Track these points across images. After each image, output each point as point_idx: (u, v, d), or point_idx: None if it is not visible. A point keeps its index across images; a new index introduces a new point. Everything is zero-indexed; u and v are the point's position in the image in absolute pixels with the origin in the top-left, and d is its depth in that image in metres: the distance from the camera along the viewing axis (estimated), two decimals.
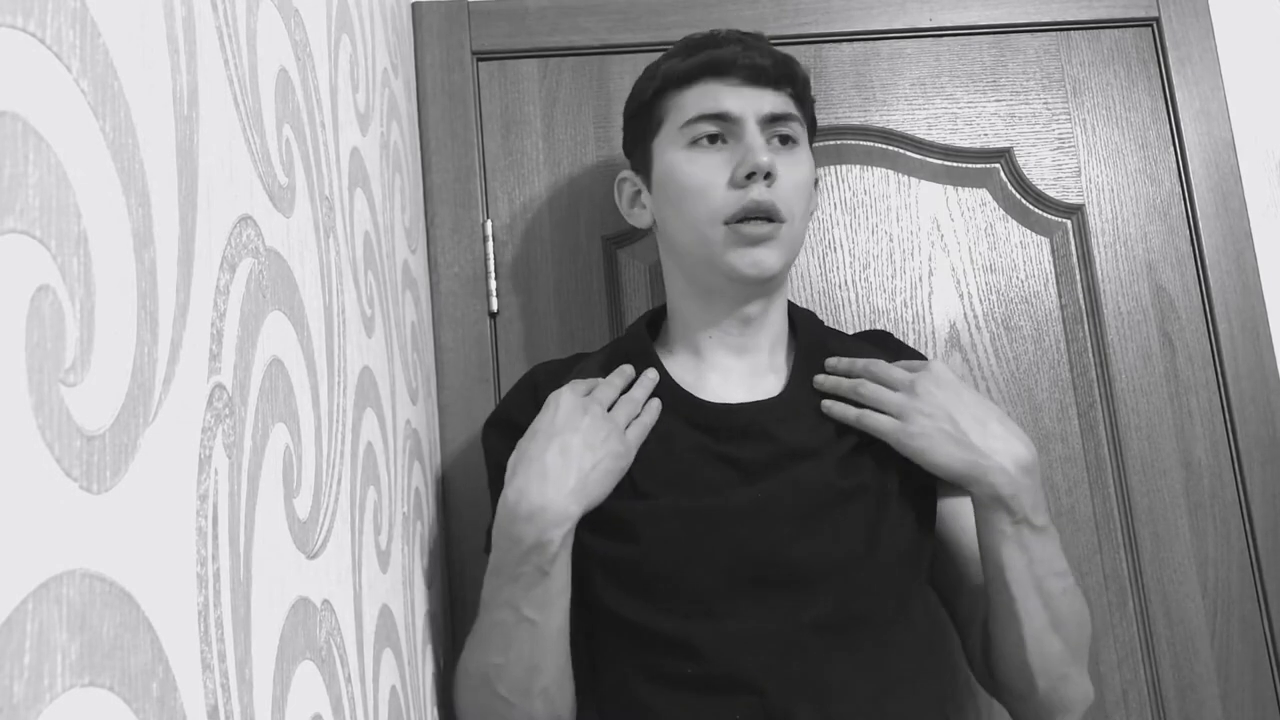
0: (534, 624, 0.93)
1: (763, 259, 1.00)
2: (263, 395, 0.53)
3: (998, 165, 1.43)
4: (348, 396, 0.73)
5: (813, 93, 1.12)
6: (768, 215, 0.99)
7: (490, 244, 1.36)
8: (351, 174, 0.83)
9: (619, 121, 1.41)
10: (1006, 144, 1.43)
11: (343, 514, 0.68)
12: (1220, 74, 1.45)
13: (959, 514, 1.05)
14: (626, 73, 1.42)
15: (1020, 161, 1.43)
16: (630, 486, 0.99)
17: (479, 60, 1.41)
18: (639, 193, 1.12)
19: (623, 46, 1.42)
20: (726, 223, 1.00)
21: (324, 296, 0.68)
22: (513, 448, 0.99)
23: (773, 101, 1.02)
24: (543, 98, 1.41)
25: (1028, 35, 1.46)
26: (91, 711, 0.33)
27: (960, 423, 0.96)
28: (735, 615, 0.94)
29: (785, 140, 1.03)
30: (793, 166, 1.02)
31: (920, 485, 1.01)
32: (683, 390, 1.03)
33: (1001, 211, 1.42)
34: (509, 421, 1.07)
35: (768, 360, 1.06)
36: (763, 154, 0.98)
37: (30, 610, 0.30)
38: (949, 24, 1.45)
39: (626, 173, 1.14)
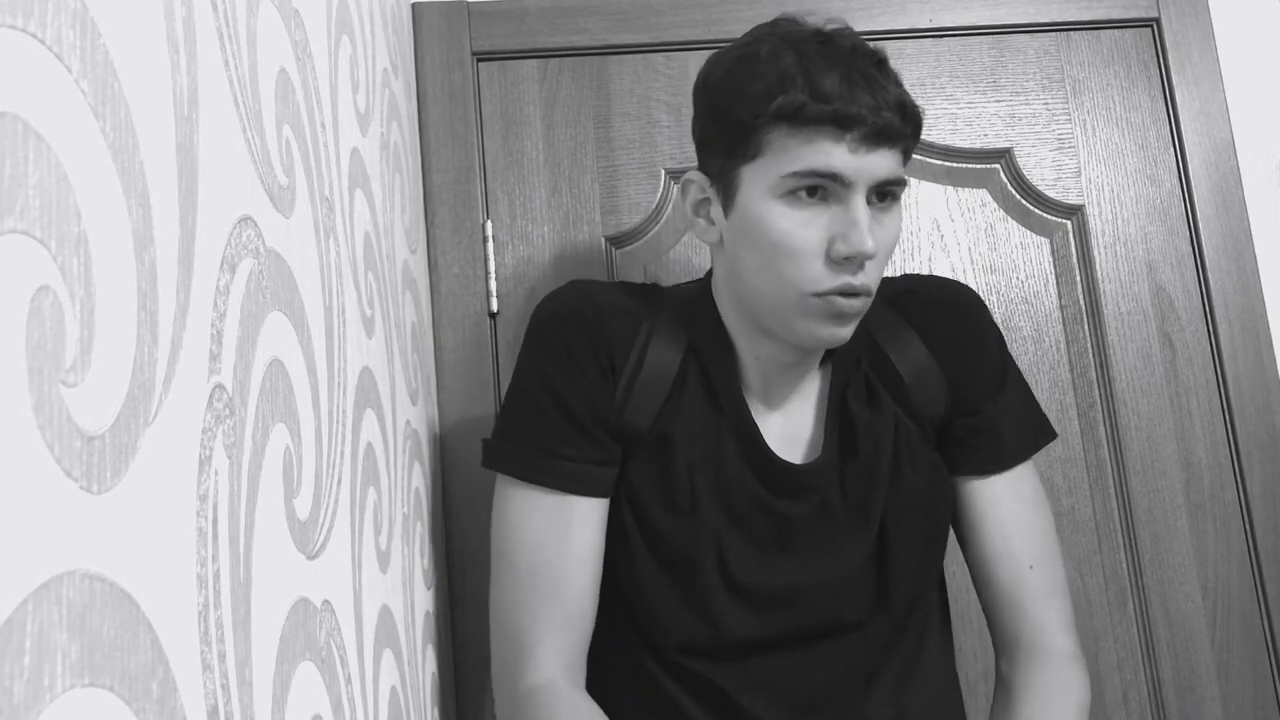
0: None
1: (841, 333, 0.94)
2: (263, 395, 0.53)
3: (998, 165, 1.43)
4: (348, 397, 0.73)
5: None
6: (856, 293, 0.93)
7: (490, 244, 1.36)
8: (351, 174, 0.83)
9: (619, 122, 1.41)
10: (1006, 144, 1.43)
11: (343, 514, 0.68)
12: (1220, 74, 1.45)
13: (973, 500, 1.05)
14: (626, 73, 1.42)
15: (1020, 162, 1.43)
16: (687, 500, 0.98)
17: (479, 60, 1.41)
18: (706, 201, 0.99)
19: (623, 47, 1.42)
20: (815, 294, 0.92)
21: (324, 296, 0.68)
22: (588, 390, 0.97)
23: (887, 165, 0.91)
24: (543, 98, 1.41)
25: (1028, 35, 1.46)
26: (91, 712, 0.33)
27: None
28: (767, 663, 0.98)
29: (886, 197, 0.94)
30: (888, 228, 0.94)
31: (937, 518, 1.03)
32: (751, 423, 1.00)
33: (1001, 212, 1.42)
34: (575, 368, 0.99)
35: (814, 375, 1.04)
36: (868, 239, 0.89)
37: (30, 611, 0.30)
38: (949, 24, 1.45)
39: (697, 176, 1.00)
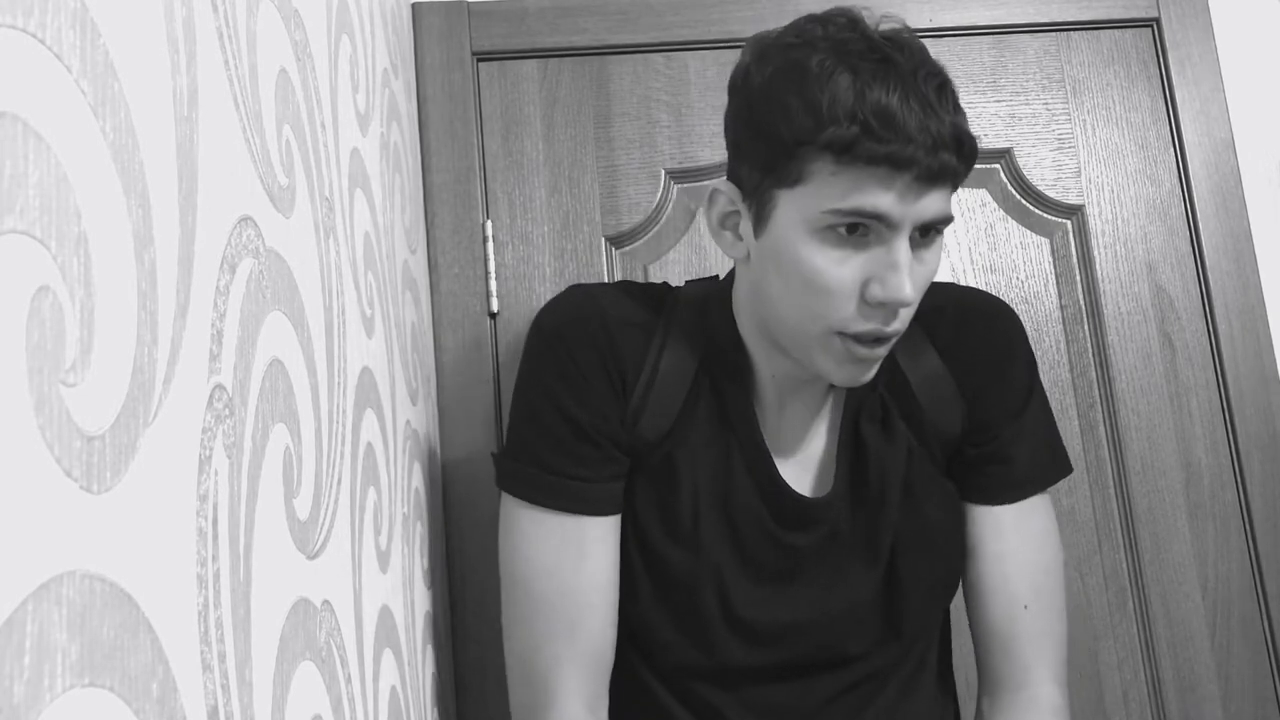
0: None
1: (861, 377, 0.90)
2: (263, 396, 0.53)
3: (998, 166, 1.43)
4: (348, 397, 0.73)
5: None
6: (884, 339, 0.87)
7: (490, 244, 1.36)
8: (351, 174, 0.83)
9: (619, 122, 1.41)
10: (1006, 144, 1.43)
11: (343, 514, 0.68)
12: (1220, 74, 1.45)
13: (976, 528, 1.02)
14: (626, 73, 1.42)
15: (1020, 162, 1.43)
16: (690, 528, 0.95)
17: (479, 60, 1.41)
18: (735, 214, 0.92)
19: (623, 47, 1.42)
20: (841, 334, 0.86)
21: (324, 296, 0.68)
22: (595, 415, 0.93)
23: (936, 205, 0.84)
24: (543, 98, 1.41)
25: (1028, 35, 1.46)
26: (91, 712, 0.33)
27: None
28: (767, 690, 0.97)
29: (929, 232, 0.87)
30: (927, 263, 0.87)
31: (948, 552, 1.01)
32: (767, 457, 0.96)
33: (1001, 212, 1.42)
34: (584, 384, 0.94)
35: (820, 400, 1.00)
36: (906, 285, 0.83)
37: (30, 611, 0.30)
38: (949, 24, 1.45)
39: (726, 187, 0.92)
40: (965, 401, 0.99)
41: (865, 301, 0.85)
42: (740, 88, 0.90)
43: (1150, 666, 1.31)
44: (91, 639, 0.33)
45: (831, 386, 0.99)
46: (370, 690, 0.72)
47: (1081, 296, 1.40)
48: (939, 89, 0.84)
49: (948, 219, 0.86)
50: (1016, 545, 0.99)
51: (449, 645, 1.21)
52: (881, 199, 0.82)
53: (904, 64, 0.83)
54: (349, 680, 0.65)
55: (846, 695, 0.98)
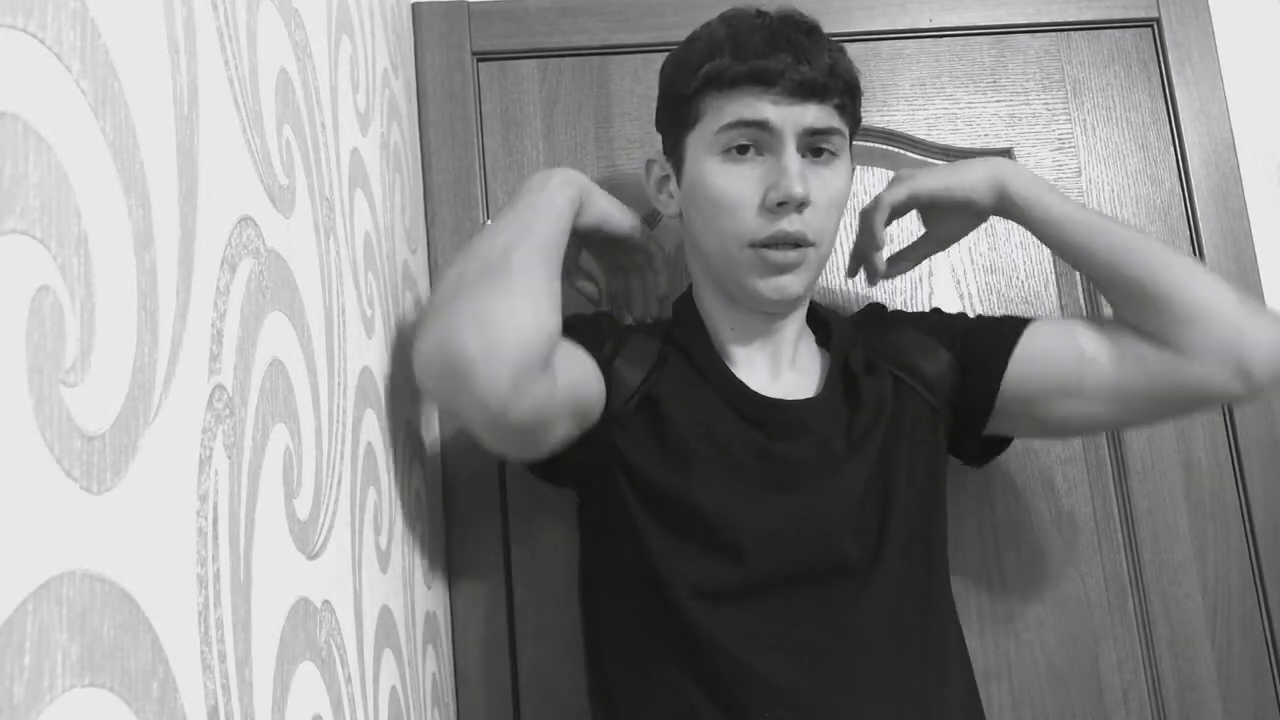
0: None
1: (786, 285, 0.99)
2: (263, 396, 0.53)
3: None
4: (348, 396, 0.73)
5: (863, 89, 1.07)
6: (796, 242, 0.98)
7: None
8: (351, 174, 0.83)
9: (619, 122, 1.41)
10: (1006, 144, 1.43)
11: (343, 514, 0.68)
12: (1220, 74, 1.45)
13: (1029, 355, 1.07)
14: (626, 73, 1.42)
15: (1020, 162, 1.43)
16: (680, 467, 0.98)
17: (479, 60, 1.41)
18: (667, 178, 1.08)
19: (623, 47, 1.42)
20: (753, 245, 0.98)
21: (324, 296, 0.68)
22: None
23: (815, 115, 0.98)
24: (543, 98, 1.41)
25: (1028, 35, 1.46)
26: (92, 712, 0.33)
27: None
28: (758, 613, 0.96)
29: (823, 152, 1.00)
30: (828, 182, 0.99)
31: (932, 469, 1.05)
32: (736, 379, 1.03)
33: None
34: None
35: (790, 352, 1.07)
36: (797, 183, 0.95)
37: (30, 611, 0.30)
38: (949, 24, 1.45)
39: (657, 155, 1.11)
40: (946, 346, 1.09)
41: (765, 209, 0.97)
42: (659, 80, 1.09)
43: (1150, 666, 1.31)
44: (91, 639, 0.33)
45: (816, 342, 1.09)
46: (370, 690, 0.72)
47: (1081, 296, 1.40)
48: (808, 32, 1.01)
49: (832, 130, 0.99)
50: (1048, 344, 1.07)
51: (449, 645, 1.21)
52: (757, 106, 0.97)
53: (776, 16, 1.01)
54: (349, 680, 0.65)
55: (870, 639, 0.95)
